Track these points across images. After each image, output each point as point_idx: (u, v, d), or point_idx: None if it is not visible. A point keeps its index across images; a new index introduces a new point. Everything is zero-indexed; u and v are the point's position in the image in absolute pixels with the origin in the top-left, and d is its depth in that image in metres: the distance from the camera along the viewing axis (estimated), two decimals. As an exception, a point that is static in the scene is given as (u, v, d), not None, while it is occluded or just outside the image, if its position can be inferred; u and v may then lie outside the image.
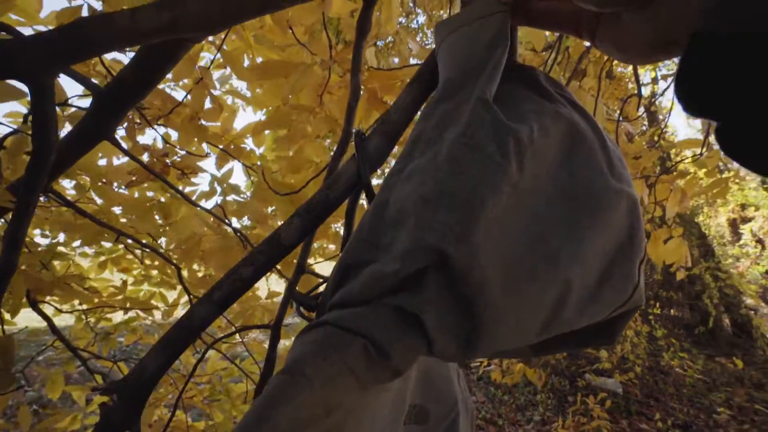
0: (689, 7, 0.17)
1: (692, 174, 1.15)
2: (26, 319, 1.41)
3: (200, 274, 1.39)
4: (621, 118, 1.15)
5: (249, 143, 1.28)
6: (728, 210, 7.18)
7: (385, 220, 0.25)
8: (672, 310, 4.52)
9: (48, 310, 1.31)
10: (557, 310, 0.24)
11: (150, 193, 1.29)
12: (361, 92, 1.18)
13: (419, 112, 0.32)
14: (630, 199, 0.27)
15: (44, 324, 1.31)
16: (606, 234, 0.26)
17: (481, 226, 0.23)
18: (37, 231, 1.44)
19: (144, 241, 1.02)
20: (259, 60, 1.20)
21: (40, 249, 1.31)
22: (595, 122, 0.30)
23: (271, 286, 1.45)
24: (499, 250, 0.23)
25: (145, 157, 1.11)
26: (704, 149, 1.01)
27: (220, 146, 1.18)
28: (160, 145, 1.29)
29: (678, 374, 3.44)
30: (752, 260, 6.37)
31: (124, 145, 0.85)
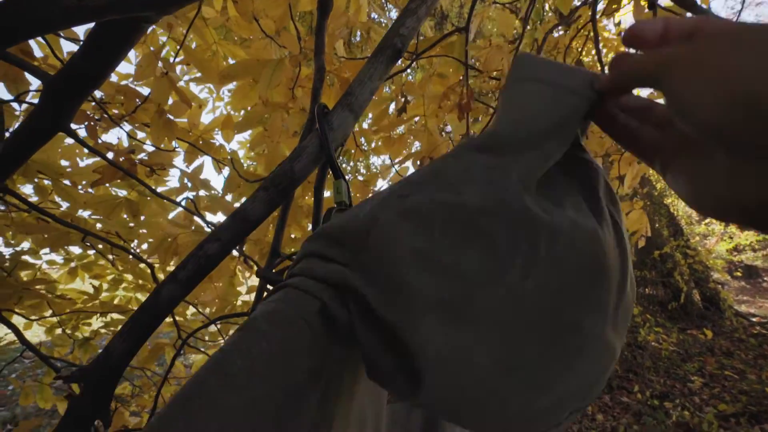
0: None
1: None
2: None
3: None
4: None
5: (218, 138, 1.26)
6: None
7: (366, 238, 0.24)
8: (647, 289, 4.71)
9: (17, 322, 1.25)
10: (508, 423, 0.23)
11: (121, 192, 1.24)
12: (334, 82, 1.17)
13: (462, 140, 0.28)
14: (612, 358, 0.25)
15: (8, 337, 1.25)
16: (574, 378, 0.24)
17: (460, 310, 0.21)
18: (-1, 239, 1.36)
19: (113, 242, 0.98)
20: (224, 57, 1.17)
21: (5, 258, 1.25)
22: (627, 253, 0.26)
23: (254, 281, 1.42)
24: (466, 343, 0.21)
25: (110, 156, 1.07)
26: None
27: (189, 142, 1.14)
28: (125, 144, 1.24)
29: (654, 348, 3.59)
30: (718, 237, 6.71)
31: (86, 144, 0.81)
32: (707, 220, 6.99)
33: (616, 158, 1.12)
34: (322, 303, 0.23)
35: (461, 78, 0.93)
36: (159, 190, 1.25)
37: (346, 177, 0.35)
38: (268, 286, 0.55)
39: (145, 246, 1.41)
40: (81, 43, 0.50)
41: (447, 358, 0.20)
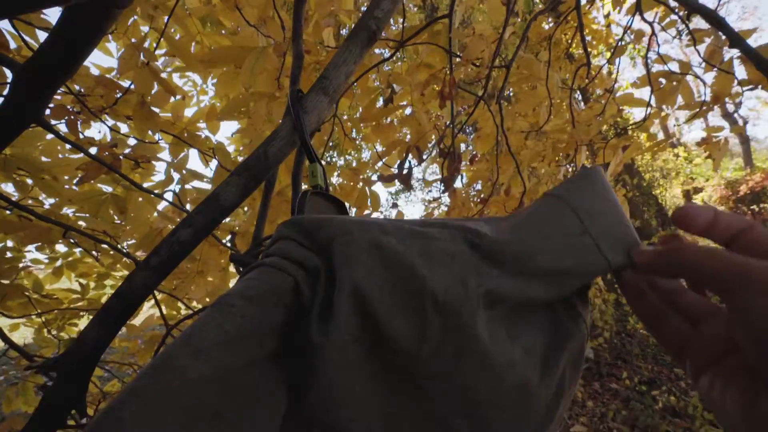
0: None
1: (635, 137, 1.22)
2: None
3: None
4: (577, 89, 1.20)
5: (205, 131, 1.24)
6: (680, 182, 7.67)
7: (331, 244, 0.24)
8: (636, 278, 4.80)
9: (4, 324, 1.23)
10: None
11: (106, 188, 1.22)
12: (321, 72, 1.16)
13: (474, 222, 0.25)
14: None
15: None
16: None
17: (366, 362, 0.21)
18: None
19: (97, 237, 0.96)
20: (210, 48, 1.15)
21: (-17, 256, 1.23)
22: (555, 415, 0.23)
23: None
24: (357, 395, 0.21)
25: (93, 152, 1.05)
26: (648, 109, 1.08)
27: (174, 134, 1.13)
28: (108, 139, 1.22)
29: (643, 336, 3.66)
30: (705, 227, 6.85)
31: (62, 137, 0.80)
32: (694, 210, 7.13)
33: (600, 146, 1.13)
34: (296, 282, 0.23)
35: (444, 66, 0.93)
36: (145, 184, 1.23)
37: (336, 172, 0.35)
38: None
39: (132, 241, 1.39)
40: (50, 30, 0.49)
41: (335, 397, 0.20)
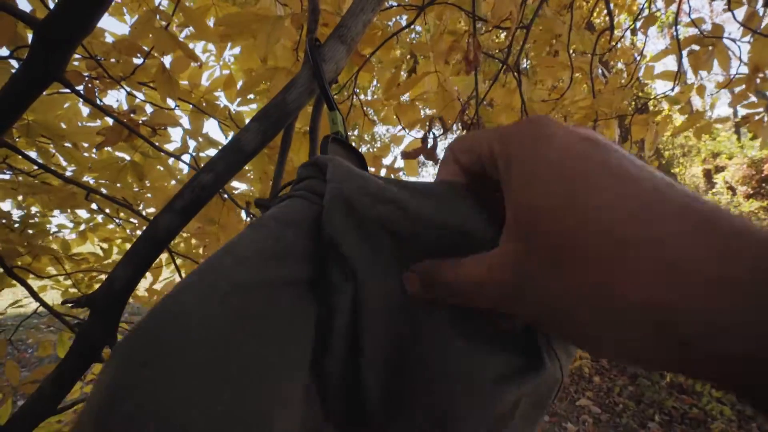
0: None
1: (666, 111, 1.17)
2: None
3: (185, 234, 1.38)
4: (598, 57, 1.15)
5: (222, 100, 1.24)
6: (701, 160, 7.39)
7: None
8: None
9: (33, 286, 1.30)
10: None
11: (123, 156, 1.24)
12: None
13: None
14: None
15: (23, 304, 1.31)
16: None
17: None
18: (8, 202, 1.39)
19: (119, 201, 0.99)
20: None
21: (13, 220, 1.28)
22: None
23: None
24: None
25: (110, 122, 1.06)
26: (677, 82, 1.02)
27: (192, 104, 1.13)
28: (125, 106, 1.23)
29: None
30: (725, 207, 6.64)
31: (82, 95, 0.81)
32: (714, 190, 6.90)
33: (630, 120, 1.08)
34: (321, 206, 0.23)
35: (466, 30, 0.90)
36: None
37: (360, 150, 0.35)
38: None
39: (152, 210, 1.43)
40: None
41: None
